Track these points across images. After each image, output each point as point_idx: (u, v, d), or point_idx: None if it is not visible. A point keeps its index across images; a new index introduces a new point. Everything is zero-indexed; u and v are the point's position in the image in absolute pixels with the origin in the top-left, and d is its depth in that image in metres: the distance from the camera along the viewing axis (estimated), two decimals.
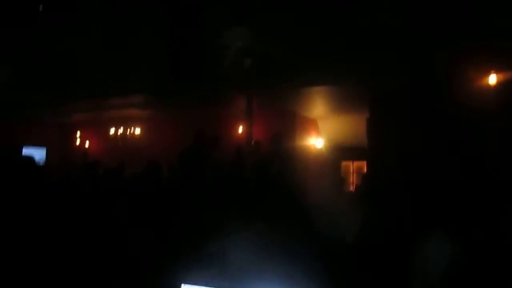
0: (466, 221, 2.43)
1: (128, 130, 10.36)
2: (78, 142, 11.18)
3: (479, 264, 2.02)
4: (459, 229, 2.21)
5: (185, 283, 1.56)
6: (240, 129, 8.51)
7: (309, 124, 9.72)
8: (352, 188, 9.16)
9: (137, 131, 10.31)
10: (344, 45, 5.91)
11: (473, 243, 2.14)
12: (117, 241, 2.17)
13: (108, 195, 3.31)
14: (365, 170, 8.88)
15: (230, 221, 2.21)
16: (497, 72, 5.72)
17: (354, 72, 6.35)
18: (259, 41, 5.96)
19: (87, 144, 11.03)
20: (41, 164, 8.77)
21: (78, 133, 11.16)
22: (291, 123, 8.90)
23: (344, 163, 11.14)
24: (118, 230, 2.30)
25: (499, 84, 5.70)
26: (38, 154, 9.47)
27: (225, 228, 1.93)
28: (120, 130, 10.44)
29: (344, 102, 8.44)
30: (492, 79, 5.71)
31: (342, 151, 10.23)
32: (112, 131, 10.51)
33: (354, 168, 10.93)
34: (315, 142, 9.89)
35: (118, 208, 2.60)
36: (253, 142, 7.16)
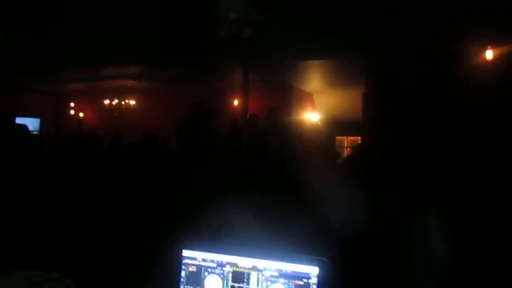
0: (460, 199, 2.48)
1: (124, 101, 10.31)
2: (72, 112, 11.12)
3: (472, 242, 2.07)
4: (451, 206, 2.25)
5: (186, 248, 1.62)
6: (236, 102, 8.51)
7: (305, 98, 9.72)
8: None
9: (132, 102, 10.27)
10: (342, 18, 5.88)
11: (466, 220, 2.18)
12: (115, 210, 2.22)
13: (105, 164, 3.33)
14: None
15: (229, 190, 2.26)
16: (493, 47, 5.73)
17: (351, 47, 6.32)
18: (257, 13, 5.89)
19: (81, 115, 10.98)
20: (35, 133, 8.77)
21: (73, 104, 11.09)
22: (287, 96, 8.90)
23: (338, 138, 11.22)
24: (117, 198, 2.35)
25: (496, 59, 5.72)
26: (32, 124, 9.46)
27: (225, 196, 1.98)
28: (116, 101, 10.39)
29: (340, 77, 8.44)
30: (489, 54, 5.73)
31: (337, 125, 10.28)
32: (107, 101, 10.45)
33: (348, 143, 11.01)
34: (311, 116, 9.92)
35: (115, 177, 2.64)
36: (248, 115, 7.17)
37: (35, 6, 7.46)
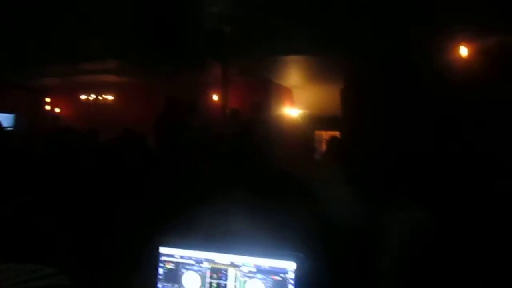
0: (438, 194, 2.52)
1: (101, 96, 10.15)
2: (48, 107, 10.88)
3: (449, 235, 2.11)
4: (428, 201, 2.29)
5: (163, 245, 1.61)
6: (215, 97, 8.47)
7: (284, 93, 9.75)
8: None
9: (110, 97, 10.11)
10: (321, 14, 5.90)
11: (444, 216, 2.22)
12: (91, 205, 2.19)
13: (80, 160, 3.27)
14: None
15: (209, 186, 2.26)
16: (467, 44, 5.86)
17: (330, 42, 6.37)
18: (236, 7, 5.88)
19: (58, 110, 10.75)
20: (8, 129, 8.56)
21: (49, 99, 10.85)
22: (267, 91, 8.91)
23: (317, 133, 11.30)
24: (93, 194, 2.32)
25: (470, 55, 5.85)
26: (5, 120, 9.21)
27: (204, 192, 1.98)
28: (93, 96, 10.21)
29: (319, 72, 8.49)
30: (463, 51, 5.87)
31: (316, 120, 10.36)
32: (84, 97, 10.27)
33: (327, 137, 11.08)
34: (290, 111, 9.97)
35: (91, 173, 2.60)
36: (229, 110, 7.16)
37: None
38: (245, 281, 1.52)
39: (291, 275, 1.48)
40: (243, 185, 2.31)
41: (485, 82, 5.42)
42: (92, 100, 10.24)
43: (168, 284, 1.59)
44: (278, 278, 1.49)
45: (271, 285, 1.50)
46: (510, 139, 4.98)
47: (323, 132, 11.45)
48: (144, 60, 7.43)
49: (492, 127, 5.25)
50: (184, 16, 6.23)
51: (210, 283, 1.56)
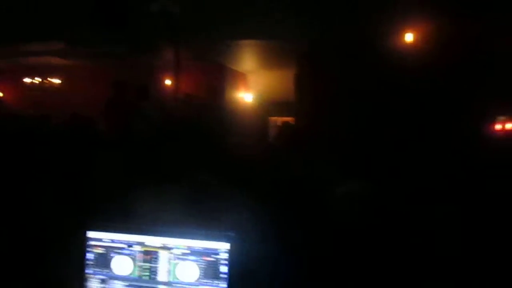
0: (390, 177, 2.56)
1: (46, 79, 9.67)
2: None
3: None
4: (381, 185, 2.31)
5: (91, 229, 1.54)
6: (168, 81, 8.29)
7: (238, 78, 9.68)
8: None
9: (57, 81, 9.66)
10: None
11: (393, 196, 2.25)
12: (27, 189, 2.08)
13: (26, 146, 3.11)
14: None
15: (148, 169, 2.19)
16: (412, 31, 6.03)
17: (282, 27, 6.35)
18: None
19: (0, 94, 10.17)
20: None
21: None
22: (220, 76, 8.81)
23: (272, 119, 11.33)
24: (23, 177, 2.19)
25: (416, 41, 6.03)
26: None
27: (144, 175, 1.91)
28: (38, 79, 9.71)
29: (273, 57, 8.48)
30: (409, 37, 6.04)
31: (270, 106, 10.37)
32: (28, 80, 9.75)
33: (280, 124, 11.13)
34: (244, 96, 9.92)
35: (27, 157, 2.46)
36: (182, 95, 7.02)
37: None
38: (177, 263, 1.49)
39: (224, 256, 1.46)
40: (184, 168, 2.26)
41: (432, 67, 5.60)
42: (38, 83, 9.74)
43: (98, 269, 1.53)
44: (211, 259, 1.47)
45: (204, 266, 1.47)
46: (454, 123, 5.19)
47: (278, 118, 11.52)
48: (91, 41, 7.14)
49: (437, 111, 5.46)
50: None
51: (141, 266, 1.51)
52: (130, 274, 1.51)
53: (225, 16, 6.33)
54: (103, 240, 1.53)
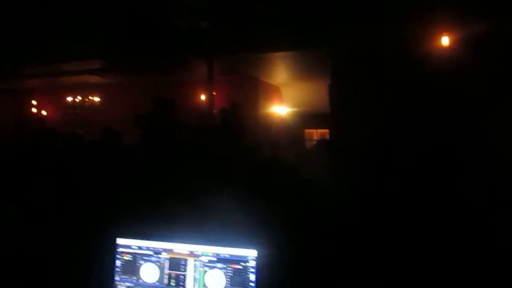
0: (427, 191, 2.47)
1: (87, 97, 10.02)
2: (35, 110, 10.74)
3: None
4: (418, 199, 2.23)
5: (120, 236, 1.54)
6: (202, 96, 8.39)
7: (271, 91, 9.68)
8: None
9: (97, 98, 9.99)
10: (303, 8, 5.86)
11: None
12: (63, 200, 2.12)
13: (65, 161, 3.21)
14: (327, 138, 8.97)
15: (173, 179, 2.19)
16: (449, 34, 5.83)
17: (314, 37, 6.32)
18: (218, 3, 5.81)
19: (44, 113, 10.61)
20: None
21: (35, 101, 10.70)
22: (254, 90, 8.83)
23: (308, 131, 11.22)
24: (67, 191, 2.25)
25: (452, 45, 5.82)
26: None
27: (167, 185, 1.91)
28: (79, 98, 10.09)
29: (306, 69, 8.43)
30: (445, 40, 5.84)
31: (305, 118, 10.29)
32: (70, 99, 10.14)
33: (318, 136, 11.01)
34: (278, 109, 9.89)
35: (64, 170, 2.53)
36: (219, 110, 7.06)
37: None
38: (205, 271, 1.46)
39: (252, 263, 1.42)
40: (214, 178, 2.25)
41: (467, 71, 5.40)
42: (79, 101, 10.11)
43: (125, 277, 1.52)
44: (238, 266, 1.43)
45: (232, 274, 1.43)
46: (490, 127, 4.98)
47: (313, 130, 11.40)
48: (127, 59, 7.36)
49: (476, 117, 5.25)
50: (164, 14, 6.17)
51: (169, 274, 1.49)
52: (157, 281, 1.49)
53: (256, 29, 6.36)
54: (132, 247, 1.52)
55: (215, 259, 1.45)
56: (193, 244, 1.48)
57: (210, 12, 5.92)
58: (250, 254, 1.42)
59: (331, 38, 6.39)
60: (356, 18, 5.91)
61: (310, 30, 6.16)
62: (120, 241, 1.53)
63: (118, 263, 1.53)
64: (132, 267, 1.52)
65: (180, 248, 1.49)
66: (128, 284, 1.51)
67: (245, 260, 1.42)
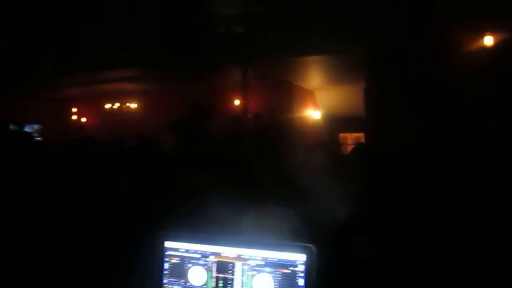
0: (464, 198, 2.39)
1: (125, 104, 10.29)
2: (75, 117, 11.12)
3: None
4: (455, 205, 2.17)
5: (168, 239, 1.55)
6: (236, 101, 8.45)
7: (305, 95, 9.64)
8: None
9: (134, 105, 10.24)
10: (339, 11, 5.80)
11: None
12: (108, 207, 2.17)
13: (106, 168, 3.31)
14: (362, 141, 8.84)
15: (219, 184, 2.20)
16: (492, 33, 5.63)
17: (349, 40, 6.25)
18: (251, 8, 5.84)
19: (84, 120, 10.97)
20: (38, 140, 8.78)
21: (75, 109, 11.08)
22: (288, 94, 8.82)
23: (342, 135, 11.10)
24: (111, 197, 2.30)
25: (495, 45, 5.61)
26: (32, 130, 9.46)
27: (212, 189, 1.92)
28: (117, 105, 10.38)
29: (341, 72, 8.36)
30: (488, 40, 5.63)
31: (340, 122, 10.18)
32: (108, 105, 10.45)
33: (352, 140, 10.89)
34: (313, 113, 9.84)
35: (112, 177, 2.60)
36: (253, 114, 7.09)
37: (35, 12, 7.47)
38: (253, 275, 1.45)
39: (300, 268, 1.40)
40: (256, 181, 2.25)
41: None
42: (117, 108, 10.39)
43: (173, 279, 1.53)
44: (287, 271, 1.41)
45: (280, 279, 1.42)
46: None
47: (348, 134, 11.26)
48: (163, 66, 7.49)
49: None
50: (199, 20, 6.24)
51: (217, 277, 1.49)
52: (205, 284, 1.49)
53: (290, 33, 6.36)
54: (179, 250, 1.53)
55: (263, 263, 1.44)
56: (241, 247, 1.47)
57: (244, 17, 5.95)
58: (299, 258, 1.40)
59: (367, 41, 6.31)
60: (392, 20, 5.81)
61: (346, 33, 6.10)
62: (168, 244, 1.54)
63: (166, 266, 1.54)
64: (180, 270, 1.53)
65: (227, 251, 1.48)
66: (176, 287, 1.52)
67: (293, 264, 1.40)
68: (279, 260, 1.42)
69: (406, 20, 5.57)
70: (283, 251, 1.42)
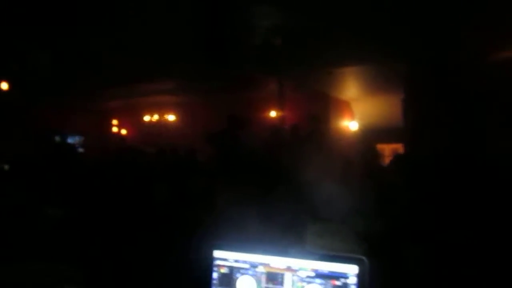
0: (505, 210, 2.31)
1: (163, 116, 10.52)
2: (115, 129, 11.44)
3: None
4: (494, 218, 2.10)
5: (217, 249, 1.56)
6: (272, 113, 8.48)
7: (342, 107, 9.57)
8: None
9: (172, 117, 10.45)
10: (376, 22, 5.74)
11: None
12: (151, 216, 2.21)
13: (147, 179, 3.37)
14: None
15: (263, 193, 2.21)
16: None
17: (387, 51, 6.18)
18: (288, 20, 5.86)
19: (124, 132, 11.27)
20: (80, 151, 9.06)
21: (115, 121, 11.41)
22: (324, 105, 8.78)
23: (379, 146, 10.91)
24: (153, 207, 2.35)
25: None
26: (75, 142, 9.79)
27: (257, 199, 1.93)
28: (156, 117, 10.62)
29: (378, 83, 8.26)
30: None
31: (377, 133, 10.03)
32: (147, 118, 10.70)
33: (389, 151, 10.69)
34: (349, 124, 9.74)
35: (154, 187, 2.65)
36: (290, 126, 7.08)
37: (75, 25, 7.75)
38: (303, 286, 1.43)
39: (352, 280, 1.38)
40: (304, 193, 2.24)
41: None
42: (155, 120, 10.64)
43: None
44: (338, 283, 1.39)
45: None
46: None
47: (385, 145, 11.07)
48: (201, 78, 7.61)
49: None
50: (236, 32, 6.32)
51: (266, 287, 1.48)
52: None
53: (326, 44, 6.34)
54: (229, 259, 1.53)
55: (313, 274, 1.42)
56: (291, 258, 1.46)
57: (281, 29, 5.99)
58: (351, 270, 1.38)
59: (405, 52, 6.22)
60: (430, 31, 5.70)
61: (383, 44, 6.03)
62: (217, 253, 1.55)
63: (214, 275, 1.55)
64: (228, 280, 1.53)
65: (277, 262, 1.48)
66: None
67: (345, 276, 1.38)
68: (330, 271, 1.40)
69: (445, 31, 5.46)
70: (334, 262, 1.40)
